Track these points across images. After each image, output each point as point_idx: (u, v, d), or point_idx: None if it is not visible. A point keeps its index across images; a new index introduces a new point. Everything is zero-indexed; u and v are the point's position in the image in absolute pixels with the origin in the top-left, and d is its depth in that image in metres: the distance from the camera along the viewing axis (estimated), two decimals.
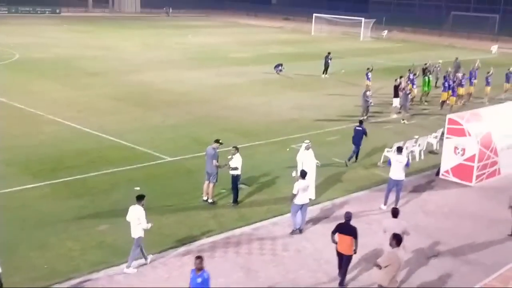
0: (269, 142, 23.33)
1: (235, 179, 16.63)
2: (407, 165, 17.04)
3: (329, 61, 40.16)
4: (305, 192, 14.87)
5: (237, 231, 15.03)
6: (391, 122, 27.81)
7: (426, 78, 33.22)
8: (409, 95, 29.23)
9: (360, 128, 21.28)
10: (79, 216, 15.43)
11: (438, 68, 37.83)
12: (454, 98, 30.54)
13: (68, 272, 12.53)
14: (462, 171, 19.46)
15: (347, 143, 23.30)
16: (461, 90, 31.90)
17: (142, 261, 13.03)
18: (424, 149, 22.58)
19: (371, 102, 27.82)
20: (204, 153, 16.98)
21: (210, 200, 16.69)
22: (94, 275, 12.48)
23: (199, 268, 10.14)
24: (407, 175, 17.43)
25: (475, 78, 34.12)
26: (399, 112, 29.00)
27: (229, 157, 16.68)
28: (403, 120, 27.94)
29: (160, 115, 27.00)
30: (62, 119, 25.18)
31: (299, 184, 14.70)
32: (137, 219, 12.62)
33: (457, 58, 41.23)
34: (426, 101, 32.66)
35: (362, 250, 13.48)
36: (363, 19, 69.85)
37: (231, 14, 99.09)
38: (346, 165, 20.80)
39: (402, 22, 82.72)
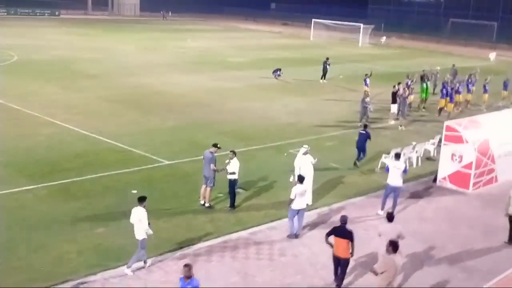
0: (267, 147, 23.32)
1: (233, 184, 16.61)
2: (404, 171, 17.04)
3: (327, 66, 40.23)
4: (302, 197, 14.87)
5: (234, 236, 15.00)
6: (389, 128, 27.83)
7: (424, 84, 33.28)
8: (407, 101, 29.30)
9: (364, 132, 21.38)
10: (76, 219, 15.39)
11: (437, 75, 37.91)
12: (451, 105, 30.61)
13: (64, 274, 12.48)
14: (459, 178, 19.47)
15: (345, 148, 23.38)
16: (458, 97, 31.97)
17: (141, 264, 12.98)
18: (421, 155, 22.60)
19: (370, 108, 27.80)
20: (202, 157, 16.96)
21: (207, 204, 16.66)
22: (90, 277, 12.43)
23: (188, 276, 10.00)
24: (404, 181, 17.43)
25: (473, 85, 34.19)
26: (397, 119, 29.03)
27: (227, 161, 16.67)
28: (400, 126, 27.97)
29: (158, 118, 26.98)
30: (60, 121, 25.15)
31: (296, 189, 14.71)
32: (138, 221, 12.62)
33: (454, 65, 41.33)
34: (424, 108, 32.71)
35: (358, 255, 13.48)
36: (361, 25, 70.02)
37: (230, 19, 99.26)
38: (357, 166, 21.20)
39: (401, 29, 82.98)
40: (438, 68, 39.80)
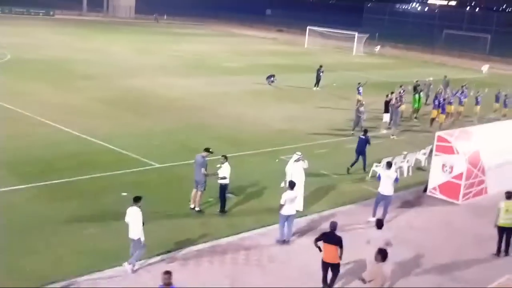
0: (259, 153, 23.34)
1: (223, 188, 16.62)
2: (396, 180, 17.13)
3: (321, 74, 40.35)
4: (292, 203, 14.90)
5: (224, 240, 15.00)
6: (381, 137, 27.92)
7: (417, 95, 33.46)
8: (399, 111, 29.45)
9: (363, 137, 21.52)
10: (67, 220, 15.33)
11: (430, 86, 38.13)
12: (443, 116, 30.78)
13: (54, 275, 12.42)
14: (449, 188, 19.56)
15: (336, 156, 23.47)
16: (450, 108, 32.18)
17: (128, 266, 12.93)
18: (412, 165, 22.70)
19: (363, 117, 27.87)
20: (193, 160, 16.96)
21: (197, 208, 16.65)
22: (79, 278, 12.38)
23: (167, 284, 9.89)
24: (394, 190, 17.49)
25: (465, 97, 34.42)
26: (389, 128, 29.16)
27: (218, 166, 16.68)
28: (392, 135, 28.09)
29: (151, 121, 26.96)
30: (52, 122, 25.06)
31: (286, 195, 14.75)
32: (134, 221, 12.71)
33: (445, 76, 41.61)
34: (416, 118, 32.87)
35: (347, 263, 13.51)
36: (356, 33, 70.29)
37: (226, 24, 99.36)
38: (364, 170, 21.56)
39: (395, 38, 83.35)
40: (431, 78, 40.06)
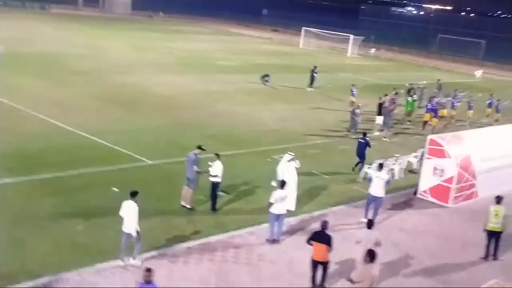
0: (251, 152, 23.34)
1: (215, 186, 16.61)
2: (388, 182, 17.19)
3: (315, 75, 40.41)
4: (282, 202, 14.91)
5: (213, 238, 14.99)
6: (373, 139, 27.76)
7: (410, 98, 33.58)
8: (392, 113, 29.54)
9: (363, 141, 21.64)
10: (54, 214, 15.27)
11: (423, 89, 38.28)
12: (436, 120, 30.89)
13: (39, 270, 12.37)
14: (440, 192, 19.64)
15: (328, 157, 23.51)
16: (442, 112, 32.30)
17: (134, 261, 13.00)
18: (404, 167, 22.76)
19: (358, 120, 27.89)
20: (185, 158, 16.94)
21: (188, 206, 16.62)
22: (65, 274, 12.33)
23: (147, 281, 9.87)
24: (385, 192, 17.53)
25: (458, 101, 34.57)
26: (382, 130, 29.23)
27: (210, 164, 16.66)
28: (384, 138, 28.16)
29: (144, 118, 26.90)
30: (44, 116, 24.96)
31: (277, 193, 14.78)
32: (129, 215, 12.80)
33: (438, 80, 41.78)
34: (409, 121, 32.97)
35: (336, 263, 13.54)
36: (351, 35, 70.42)
37: (222, 23, 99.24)
38: (353, 171, 21.69)
39: (390, 41, 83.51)
40: (425, 82, 40.22)
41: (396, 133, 29.82)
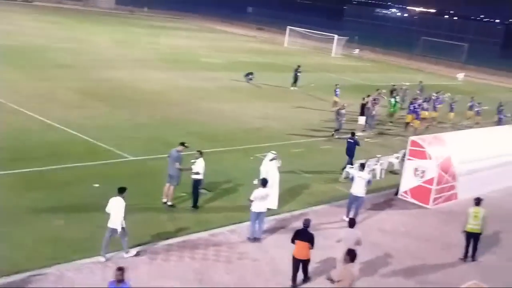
0: (234, 149, 23.32)
1: (196, 184, 16.56)
2: (369, 182, 17.30)
3: (299, 74, 40.50)
4: (263, 200, 14.93)
5: (194, 236, 14.95)
6: None
7: (393, 99, 33.81)
8: (374, 114, 29.71)
9: (352, 140, 21.73)
10: (35, 209, 15.12)
11: (406, 91, 38.57)
12: (418, 121, 31.12)
13: (18, 265, 12.23)
14: (420, 193, 19.79)
15: (311, 156, 23.56)
16: (424, 114, 32.57)
17: (128, 254, 12.97)
18: (385, 168, 22.90)
19: (343, 120, 27.95)
20: (167, 155, 16.86)
21: (169, 203, 16.56)
22: (44, 270, 12.21)
23: (120, 280, 9.82)
24: (366, 193, 17.62)
25: (440, 103, 34.89)
26: (364, 130, 29.38)
27: (192, 161, 16.61)
28: (367, 138, 28.30)
29: (126, 113, 26.73)
30: (26, 110, 24.69)
31: (258, 192, 14.80)
32: (117, 210, 12.79)
33: (420, 82, 42.12)
34: (391, 122, 33.18)
35: (317, 262, 13.58)
36: (336, 35, 70.65)
37: (206, 19, 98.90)
38: (342, 170, 21.51)
39: (374, 42, 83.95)
40: (407, 83, 40.48)
41: (378, 134, 29.98)
